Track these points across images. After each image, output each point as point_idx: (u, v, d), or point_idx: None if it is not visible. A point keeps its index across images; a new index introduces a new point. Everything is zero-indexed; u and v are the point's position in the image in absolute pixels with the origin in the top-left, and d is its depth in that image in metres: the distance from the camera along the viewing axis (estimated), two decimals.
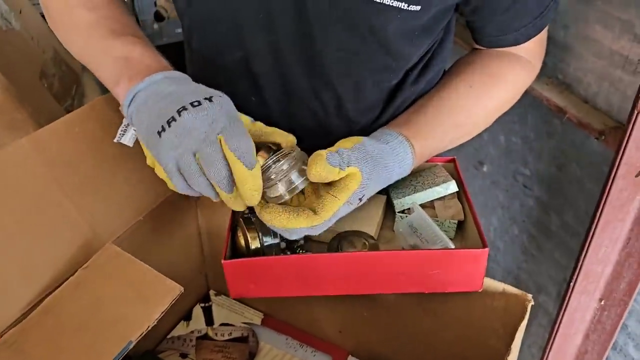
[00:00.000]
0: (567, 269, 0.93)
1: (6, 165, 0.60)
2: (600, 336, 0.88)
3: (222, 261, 0.60)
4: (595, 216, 0.76)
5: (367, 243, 0.65)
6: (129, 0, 1.47)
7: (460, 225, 0.69)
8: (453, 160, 0.73)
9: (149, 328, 0.56)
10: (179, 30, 1.53)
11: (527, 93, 0.79)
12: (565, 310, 0.86)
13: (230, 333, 0.84)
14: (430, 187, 0.68)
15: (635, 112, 0.67)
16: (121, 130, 0.59)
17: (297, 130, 0.70)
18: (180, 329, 0.85)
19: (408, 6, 0.59)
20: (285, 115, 0.70)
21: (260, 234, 0.63)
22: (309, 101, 0.69)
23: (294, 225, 0.55)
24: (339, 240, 0.66)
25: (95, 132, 0.69)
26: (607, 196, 0.74)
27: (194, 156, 0.50)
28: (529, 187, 0.98)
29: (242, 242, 0.64)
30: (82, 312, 0.57)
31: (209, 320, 0.86)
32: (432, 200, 0.70)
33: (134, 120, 0.55)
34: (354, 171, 0.56)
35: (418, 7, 0.59)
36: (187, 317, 0.87)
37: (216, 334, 0.84)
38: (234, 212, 0.67)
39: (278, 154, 0.55)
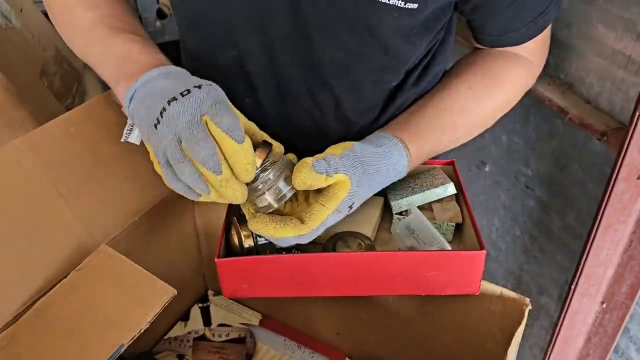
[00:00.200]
0: (569, 271, 0.92)
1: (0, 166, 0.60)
2: (602, 339, 0.87)
3: (215, 260, 0.60)
4: (596, 218, 0.75)
5: (362, 244, 0.64)
6: None
7: (459, 227, 0.68)
8: (452, 163, 0.72)
9: (141, 331, 0.56)
10: None
11: (528, 93, 0.77)
12: (566, 312, 0.85)
13: (228, 334, 0.84)
14: (428, 189, 0.68)
15: (638, 113, 0.66)
16: (127, 130, 0.59)
17: (293, 131, 0.70)
18: (178, 330, 0.85)
19: (405, 4, 0.58)
20: (281, 116, 0.70)
21: (254, 233, 0.63)
22: (305, 102, 0.68)
23: (281, 234, 0.54)
24: (334, 240, 0.65)
25: (92, 132, 0.68)
26: (608, 198, 0.73)
27: (180, 143, 0.49)
28: (530, 188, 0.97)
29: (236, 241, 0.63)
30: (74, 315, 0.57)
31: (207, 321, 0.86)
32: (430, 203, 0.69)
33: (135, 118, 0.54)
34: (342, 179, 0.55)
35: (415, 5, 0.58)
36: (185, 317, 0.86)
37: (213, 335, 0.84)
38: (228, 211, 0.67)
39: (264, 163, 0.54)
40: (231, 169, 0.50)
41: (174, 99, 0.50)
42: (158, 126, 0.50)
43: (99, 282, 0.60)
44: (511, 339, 0.60)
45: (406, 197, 0.68)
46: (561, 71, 0.82)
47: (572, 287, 0.82)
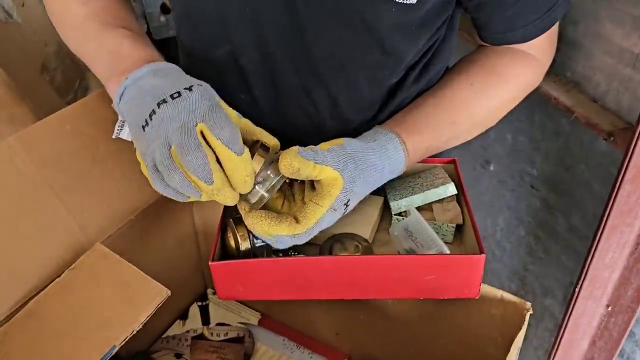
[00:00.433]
0: (574, 273, 0.91)
1: None
2: (607, 343, 0.86)
3: (210, 263, 0.59)
4: (602, 220, 0.73)
5: (360, 246, 0.63)
6: None
7: (459, 229, 0.67)
8: (454, 162, 0.70)
9: (134, 332, 0.55)
10: None
11: (534, 91, 0.76)
12: (570, 315, 0.84)
13: (226, 333, 0.83)
14: (429, 189, 0.66)
15: None
16: (118, 126, 0.58)
17: (289, 129, 0.69)
18: (176, 328, 0.84)
19: None
20: (276, 113, 0.68)
21: (250, 235, 0.62)
22: (300, 99, 0.67)
23: (276, 231, 0.53)
24: (331, 242, 0.64)
25: (88, 130, 0.68)
26: (614, 200, 0.71)
27: (170, 148, 0.48)
28: (535, 188, 0.95)
29: (232, 243, 0.62)
30: (67, 315, 0.56)
31: (205, 320, 0.85)
32: (430, 203, 0.67)
33: (126, 117, 0.54)
34: (333, 175, 0.54)
35: (414, 0, 0.57)
36: (184, 316, 0.86)
37: (212, 334, 0.83)
38: (224, 213, 0.66)
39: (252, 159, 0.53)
40: (224, 177, 0.49)
41: (164, 101, 0.49)
42: (146, 128, 0.49)
43: (93, 281, 0.60)
44: (512, 343, 0.59)
45: (406, 197, 0.66)
46: (567, 69, 0.80)
47: (577, 289, 0.80)
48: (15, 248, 0.59)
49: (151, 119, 0.49)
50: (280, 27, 0.60)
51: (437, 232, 0.65)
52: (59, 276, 0.60)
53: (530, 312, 0.60)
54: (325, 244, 0.64)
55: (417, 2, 0.57)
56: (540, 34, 0.66)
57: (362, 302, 0.75)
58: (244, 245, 0.62)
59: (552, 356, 0.91)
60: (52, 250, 0.62)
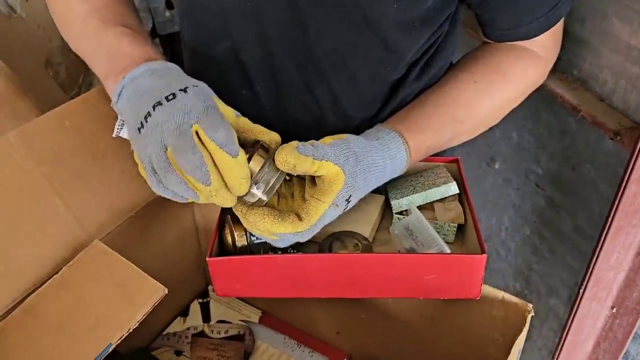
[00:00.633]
0: (579, 273, 0.90)
1: None
2: (612, 344, 0.85)
3: (207, 259, 0.59)
4: (607, 221, 0.72)
5: (359, 244, 0.63)
6: None
7: (461, 229, 0.66)
8: (456, 161, 0.69)
9: (130, 330, 0.55)
10: None
11: (540, 89, 0.75)
12: (574, 316, 0.83)
13: (227, 331, 0.83)
14: (430, 188, 0.65)
15: None
16: (118, 125, 0.57)
17: (291, 125, 0.68)
18: (177, 325, 0.84)
19: None
20: (277, 109, 0.68)
21: (247, 232, 0.61)
22: (302, 95, 0.66)
23: (278, 230, 0.52)
24: (331, 240, 0.63)
25: (87, 126, 0.67)
26: (620, 200, 0.70)
27: (166, 150, 0.48)
28: (541, 187, 0.94)
29: (229, 239, 0.62)
30: (64, 312, 0.56)
31: (206, 317, 0.85)
32: (432, 202, 0.67)
33: (124, 117, 0.53)
34: (334, 170, 0.53)
35: None
36: (184, 313, 0.86)
37: (212, 331, 0.83)
38: (223, 209, 0.65)
39: (248, 157, 0.52)
40: (221, 178, 0.49)
41: (159, 103, 0.48)
42: (142, 130, 0.49)
43: (91, 278, 0.60)
44: (513, 345, 0.58)
45: (407, 196, 0.66)
46: (574, 67, 0.78)
47: (581, 290, 0.79)
48: (14, 244, 0.59)
49: (146, 121, 0.48)
50: (281, 23, 0.60)
51: (438, 232, 0.64)
52: (57, 273, 0.60)
53: (532, 313, 0.59)
54: (324, 242, 0.63)
55: None
56: (545, 31, 0.65)
57: (363, 302, 0.74)
58: (241, 241, 0.61)
59: (555, 357, 0.90)
60: (50, 247, 0.62)
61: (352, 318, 0.76)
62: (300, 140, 0.61)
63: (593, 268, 0.76)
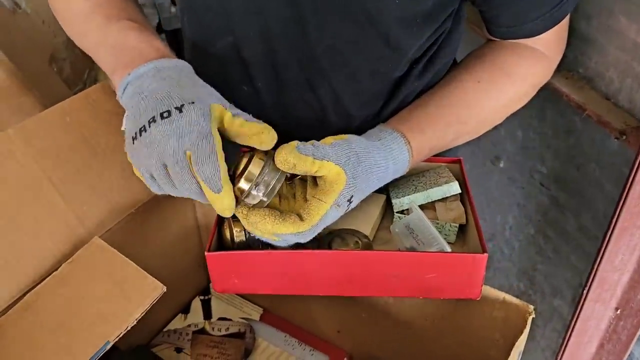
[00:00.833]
0: (584, 274, 0.89)
1: None
2: (616, 346, 0.84)
3: (205, 253, 0.59)
4: (612, 221, 0.71)
5: (360, 242, 0.62)
6: None
7: (463, 229, 0.65)
8: (459, 161, 0.69)
9: (128, 328, 0.55)
10: None
11: (545, 87, 0.74)
12: (578, 317, 0.82)
13: (228, 328, 0.83)
14: (432, 187, 0.65)
15: None
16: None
17: (292, 122, 0.68)
18: (178, 322, 0.84)
19: None
20: (278, 106, 0.67)
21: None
22: (303, 92, 0.66)
23: (279, 230, 0.52)
24: (331, 237, 0.63)
25: (88, 122, 0.67)
26: (624, 201, 0.69)
27: (165, 167, 0.49)
28: (546, 186, 0.93)
29: (228, 235, 0.62)
30: (62, 309, 0.56)
31: (207, 314, 0.85)
32: (433, 202, 0.66)
33: (127, 112, 0.53)
34: (336, 170, 0.52)
35: None
36: (185, 310, 0.86)
37: (213, 329, 0.83)
38: None
39: (248, 160, 0.52)
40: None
41: (153, 120, 0.49)
42: (135, 141, 0.50)
43: (90, 275, 0.59)
44: (513, 346, 0.58)
45: (408, 195, 0.65)
46: (580, 65, 0.77)
47: (585, 291, 0.78)
48: (14, 241, 0.59)
49: (140, 135, 0.49)
50: (282, 19, 0.59)
51: (439, 232, 0.64)
52: (56, 270, 0.60)
53: (533, 315, 0.58)
54: (324, 239, 0.63)
55: None
56: (550, 28, 0.64)
57: (364, 301, 0.74)
58: (239, 237, 0.61)
59: (559, 358, 0.89)
60: (50, 244, 0.62)
61: (353, 317, 0.76)
62: (301, 139, 0.61)
63: (597, 269, 0.75)
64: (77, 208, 0.64)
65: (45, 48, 1.06)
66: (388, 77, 0.65)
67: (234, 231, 0.61)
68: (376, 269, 0.58)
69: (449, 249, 0.58)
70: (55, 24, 1.11)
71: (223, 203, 0.50)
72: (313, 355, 0.80)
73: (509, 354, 0.57)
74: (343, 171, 0.53)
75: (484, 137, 0.71)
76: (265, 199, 0.53)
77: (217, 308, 0.86)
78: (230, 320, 0.84)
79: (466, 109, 0.64)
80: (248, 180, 0.52)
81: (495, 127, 0.70)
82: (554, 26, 0.64)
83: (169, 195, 0.72)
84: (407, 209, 0.65)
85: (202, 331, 0.83)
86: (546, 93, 0.77)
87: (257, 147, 0.53)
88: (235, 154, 0.56)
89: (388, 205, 0.69)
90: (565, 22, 0.66)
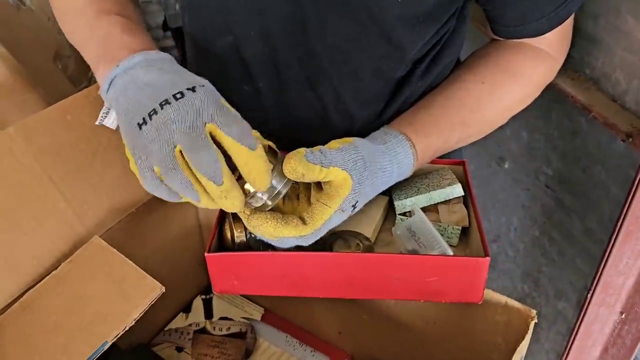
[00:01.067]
0: (589, 277, 0.88)
1: None
2: (620, 351, 0.83)
3: (205, 254, 0.58)
4: (617, 225, 0.70)
5: (361, 244, 0.62)
6: None
7: (465, 232, 0.65)
8: (462, 163, 0.68)
9: (126, 329, 0.54)
10: None
11: (551, 88, 0.73)
12: (582, 321, 0.81)
13: (229, 328, 0.83)
14: (434, 190, 0.64)
15: None
16: (103, 113, 0.56)
17: (294, 122, 0.67)
18: (179, 321, 0.84)
19: None
20: (279, 106, 0.67)
21: (247, 228, 0.60)
22: (304, 91, 0.65)
23: (281, 234, 0.51)
24: (332, 239, 0.63)
25: (89, 121, 0.67)
26: (630, 204, 0.68)
27: (174, 148, 0.46)
28: (551, 188, 0.92)
29: (229, 235, 0.61)
30: (61, 309, 0.56)
31: (209, 313, 0.85)
32: (436, 204, 0.65)
33: (115, 107, 0.51)
34: (343, 175, 0.52)
35: None
36: (187, 309, 0.85)
37: (214, 328, 0.82)
38: None
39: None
40: (233, 179, 0.47)
41: (167, 102, 0.46)
42: (144, 127, 0.47)
43: (89, 275, 0.59)
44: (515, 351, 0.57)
45: (411, 197, 0.64)
46: (586, 66, 0.76)
47: (589, 295, 0.77)
48: (13, 239, 0.59)
49: (151, 119, 0.46)
50: (283, 17, 0.59)
51: (442, 234, 0.63)
52: (55, 269, 0.60)
53: (535, 320, 0.57)
54: (325, 241, 0.62)
55: None
56: (555, 27, 0.63)
57: (365, 303, 0.73)
58: (240, 237, 0.61)
59: None
60: (50, 242, 0.62)
61: (354, 318, 0.76)
62: (302, 138, 0.60)
63: (601, 273, 0.74)
64: (78, 207, 0.64)
65: (49, 45, 1.06)
66: (390, 77, 0.65)
67: (235, 231, 0.60)
68: (377, 272, 0.57)
69: (450, 252, 0.57)
70: None
71: (259, 164, 0.47)
72: (314, 356, 0.80)
73: (511, 359, 0.57)
74: (349, 177, 0.52)
75: (489, 137, 0.70)
76: (269, 203, 0.53)
77: (219, 307, 0.85)
78: (231, 320, 0.84)
79: (470, 111, 0.64)
80: None
81: (500, 128, 0.69)
82: (558, 26, 0.63)
83: None
84: (410, 211, 0.65)
85: (203, 330, 0.82)
86: (552, 94, 0.76)
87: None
88: None
89: (390, 206, 0.69)
90: (569, 22, 0.65)
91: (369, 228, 0.64)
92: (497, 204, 1.08)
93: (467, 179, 0.66)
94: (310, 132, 0.66)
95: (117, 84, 0.50)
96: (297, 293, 0.60)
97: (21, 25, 1.01)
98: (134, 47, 0.53)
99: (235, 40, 0.62)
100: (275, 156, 0.52)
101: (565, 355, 0.87)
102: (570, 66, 0.78)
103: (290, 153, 0.51)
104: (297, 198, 0.58)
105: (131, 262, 0.59)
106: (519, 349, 0.55)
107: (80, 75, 1.13)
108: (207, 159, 0.45)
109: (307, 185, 0.58)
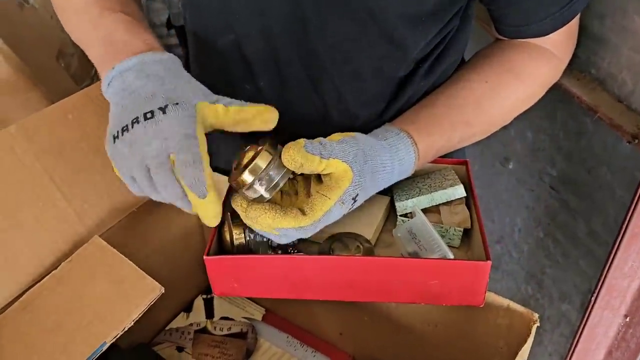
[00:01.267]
0: (593, 279, 0.87)
1: None
2: (624, 354, 0.82)
3: (204, 257, 0.58)
4: (622, 227, 0.70)
5: (361, 247, 0.61)
6: None
7: (468, 233, 0.64)
8: (465, 163, 0.67)
9: (125, 329, 0.54)
10: None
11: (557, 88, 0.72)
12: (585, 323, 0.80)
13: (230, 328, 0.82)
14: (436, 190, 0.63)
15: None
16: None
17: (296, 121, 0.67)
18: (180, 321, 0.84)
19: None
20: (281, 105, 0.66)
21: (246, 230, 0.60)
22: (306, 90, 0.64)
23: (280, 224, 0.51)
24: (332, 241, 0.62)
25: (91, 120, 0.67)
26: (635, 206, 0.67)
27: (148, 171, 0.48)
28: (555, 189, 0.91)
29: (228, 237, 0.61)
30: (60, 309, 0.56)
31: (209, 313, 0.85)
32: (438, 205, 0.65)
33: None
34: (343, 167, 0.51)
35: None
36: (188, 308, 0.85)
37: (215, 328, 0.82)
38: (224, 204, 0.64)
39: (255, 153, 0.51)
40: (196, 203, 0.49)
41: (137, 120, 0.48)
42: (117, 140, 0.49)
43: (88, 275, 0.59)
44: (517, 354, 0.56)
45: (412, 197, 0.64)
46: (592, 66, 0.76)
47: (593, 298, 0.76)
48: (13, 239, 0.59)
49: (122, 135, 0.48)
50: (283, 16, 0.58)
51: (443, 236, 0.63)
52: (55, 268, 0.60)
53: (537, 324, 0.57)
54: (325, 243, 0.62)
55: None
56: (560, 28, 0.62)
57: (367, 304, 0.73)
58: (239, 239, 0.60)
59: None
60: (50, 242, 0.62)
61: (355, 320, 0.75)
62: (305, 136, 0.59)
63: (606, 276, 0.73)
64: (78, 206, 0.64)
65: (53, 43, 1.06)
66: (392, 77, 0.64)
67: (234, 233, 0.60)
68: (377, 275, 0.57)
69: (451, 256, 0.57)
70: None
71: (207, 210, 0.49)
72: (315, 357, 0.79)
73: None
74: (350, 168, 0.52)
75: (493, 137, 0.69)
76: (266, 195, 0.52)
77: (220, 307, 0.85)
78: (232, 320, 0.83)
79: (474, 111, 0.63)
80: (253, 172, 0.51)
81: (505, 128, 0.69)
82: (563, 26, 0.62)
83: None
84: (411, 212, 0.64)
85: (204, 330, 0.82)
86: (557, 94, 0.75)
87: (262, 129, 0.53)
88: (239, 146, 0.55)
89: (392, 207, 0.68)
90: (575, 22, 0.64)
91: (370, 229, 0.64)
92: (501, 204, 1.07)
93: (469, 179, 0.65)
94: (312, 130, 0.65)
95: (114, 86, 0.52)
96: (297, 295, 0.59)
97: (24, 23, 1.01)
98: (134, 48, 0.54)
99: (236, 38, 0.62)
100: (275, 147, 0.52)
101: (568, 358, 0.87)
102: (576, 66, 0.77)
103: (290, 143, 0.51)
104: (295, 194, 0.58)
105: (131, 263, 0.59)
106: (521, 352, 0.55)
107: (83, 74, 1.13)
108: (170, 192, 0.48)
109: (306, 181, 0.58)
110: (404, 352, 0.72)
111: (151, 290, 0.56)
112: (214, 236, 0.61)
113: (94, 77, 1.17)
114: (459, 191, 0.63)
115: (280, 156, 0.51)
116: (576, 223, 0.89)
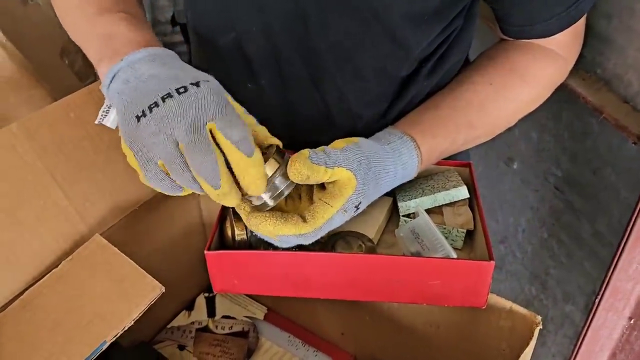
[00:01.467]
0: (597, 281, 0.86)
1: None
2: (628, 356, 0.81)
3: (205, 252, 0.58)
4: (627, 229, 0.69)
5: (363, 245, 0.61)
6: None
7: (470, 235, 0.63)
8: (469, 165, 0.67)
9: (125, 329, 0.54)
10: None
11: (562, 88, 0.71)
12: (589, 325, 0.80)
13: (231, 327, 0.82)
14: (439, 191, 0.63)
15: None
16: (103, 112, 0.55)
17: (298, 120, 0.66)
18: (181, 319, 0.84)
19: None
20: (283, 105, 0.66)
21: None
22: (307, 89, 0.64)
23: (281, 232, 0.51)
24: (334, 239, 0.62)
25: (93, 118, 0.66)
26: None
27: (177, 145, 0.45)
28: (560, 190, 0.91)
29: (229, 233, 0.61)
30: (60, 307, 0.56)
31: (211, 312, 0.84)
32: (441, 206, 0.64)
33: (115, 102, 0.50)
34: (347, 175, 0.51)
35: None
36: (190, 307, 0.85)
37: (216, 327, 0.82)
38: None
39: (266, 163, 0.51)
40: (232, 182, 0.47)
41: (169, 95, 0.45)
42: (142, 119, 0.45)
43: (89, 273, 0.59)
44: (520, 357, 0.56)
45: (415, 198, 0.63)
46: (598, 66, 0.75)
47: (597, 300, 0.76)
48: (14, 237, 0.59)
49: (151, 112, 0.45)
50: (284, 14, 0.58)
51: (446, 237, 0.62)
52: (56, 267, 0.60)
53: (540, 326, 0.56)
54: (327, 241, 0.62)
55: None
56: (565, 28, 0.61)
57: (368, 304, 0.73)
58: (240, 235, 0.60)
59: None
60: (51, 240, 0.61)
61: (357, 320, 0.75)
62: (306, 137, 0.59)
63: (610, 278, 0.73)
64: (79, 205, 0.64)
65: (56, 40, 1.05)
66: (395, 76, 0.64)
67: (236, 230, 0.60)
68: (379, 274, 0.56)
69: (454, 255, 0.56)
70: None
71: (251, 172, 0.47)
72: (317, 356, 0.79)
73: None
74: (354, 176, 0.51)
75: (498, 137, 0.69)
76: (270, 203, 0.52)
77: (221, 306, 0.85)
78: (234, 318, 0.83)
79: (478, 113, 0.62)
80: None
81: (509, 128, 0.68)
82: (569, 27, 0.62)
83: None
84: (414, 213, 0.64)
85: (206, 329, 0.82)
86: (562, 94, 0.74)
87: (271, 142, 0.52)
88: None
89: (394, 207, 0.68)
90: (581, 22, 0.63)
91: (372, 229, 0.63)
92: (505, 204, 1.06)
93: (473, 181, 0.65)
94: (314, 130, 0.65)
95: (120, 77, 0.49)
96: (298, 293, 0.59)
97: (28, 20, 1.01)
98: (138, 42, 0.52)
99: (237, 36, 0.62)
100: (282, 155, 0.52)
101: (572, 359, 0.86)
102: (582, 66, 0.76)
103: (294, 155, 0.50)
104: (299, 197, 0.58)
105: (132, 262, 0.59)
106: (523, 355, 0.54)
107: (87, 71, 1.13)
108: (205, 162, 0.44)
109: (310, 186, 0.57)
110: (405, 353, 0.72)
111: (152, 290, 0.56)
112: (216, 231, 0.61)
113: (97, 75, 1.17)
114: (462, 192, 0.63)
115: (286, 165, 0.51)
116: (581, 224, 0.88)
